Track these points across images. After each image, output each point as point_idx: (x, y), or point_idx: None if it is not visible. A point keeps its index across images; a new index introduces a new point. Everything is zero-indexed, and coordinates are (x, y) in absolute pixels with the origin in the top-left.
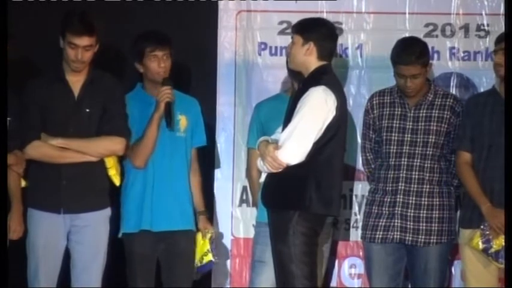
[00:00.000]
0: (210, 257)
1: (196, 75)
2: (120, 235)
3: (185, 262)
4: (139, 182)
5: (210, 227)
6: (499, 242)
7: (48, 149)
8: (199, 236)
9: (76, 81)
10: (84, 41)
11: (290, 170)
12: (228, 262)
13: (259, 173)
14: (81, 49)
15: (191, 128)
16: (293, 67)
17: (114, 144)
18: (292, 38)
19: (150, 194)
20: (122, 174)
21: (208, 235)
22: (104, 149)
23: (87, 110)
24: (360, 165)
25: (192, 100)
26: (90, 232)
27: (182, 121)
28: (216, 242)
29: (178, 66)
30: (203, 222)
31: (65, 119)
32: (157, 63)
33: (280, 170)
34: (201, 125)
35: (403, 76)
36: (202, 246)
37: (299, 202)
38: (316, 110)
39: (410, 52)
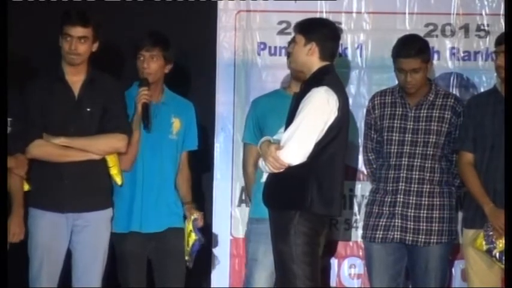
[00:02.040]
0: (193, 236)
1: (195, 75)
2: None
3: (176, 259)
4: (129, 183)
5: (194, 211)
6: (502, 243)
7: (51, 148)
8: (185, 223)
9: (76, 81)
10: (78, 31)
11: (292, 170)
12: (228, 262)
13: (255, 168)
14: (75, 40)
15: (184, 131)
16: (295, 67)
17: (117, 141)
18: (294, 37)
19: (140, 196)
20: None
21: (192, 217)
22: (107, 146)
23: (88, 110)
24: (359, 165)
25: (187, 103)
26: (92, 232)
27: (175, 124)
28: (200, 223)
29: (177, 66)
30: (188, 210)
31: (65, 118)
32: (142, 62)
33: (281, 170)
34: (194, 129)
35: (403, 71)
36: (187, 229)
37: (300, 202)
38: (318, 110)
39: (411, 46)
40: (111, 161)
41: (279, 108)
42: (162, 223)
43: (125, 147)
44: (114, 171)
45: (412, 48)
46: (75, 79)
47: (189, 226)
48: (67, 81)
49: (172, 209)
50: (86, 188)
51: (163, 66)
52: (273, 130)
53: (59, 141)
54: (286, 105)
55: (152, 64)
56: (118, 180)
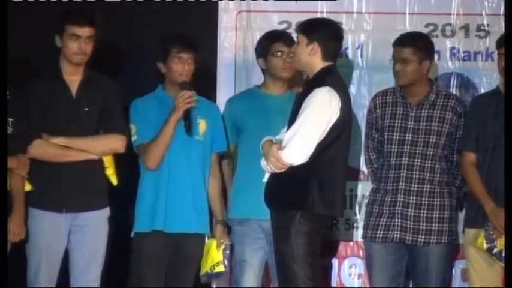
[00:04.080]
0: (221, 268)
1: (196, 75)
2: (132, 234)
3: (191, 265)
4: (154, 183)
5: (226, 237)
6: (503, 242)
7: (50, 147)
8: (213, 244)
9: (73, 81)
10: (85, 31)
11: (293, 170)
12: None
13: (230, 167)
14: (83, 40)
15: (211, 132)
16: (297, 67)
17: (116, 142)
18: (296, 37)
19: (165, 195)
20: (119, 175)
21: (222, 246)
22: (106, 147)
23: (86, 109)
24: (360, 165)
25: (212, 105)
26: (90, 232)
27: (201, 125)
28: (229, 252)
29: None
30: (220, 231)
31: (63, 118)
32: (182, 65)
33: (283, 170)
34: (221, 130)
35: (395, 60)
36: (216, 256)
37: (301, 202)
38: (321, 111)
39: (406, 35)
40: (107, 162)
41: (257, 108)
42: (186, 224)
43: (123, 148)
44: (109, 172)
45: (406, 38)
46: (73, 79)
47: (219, 256)
48: (65, 80)
49: (200, 212)
50: (85, 187)
51: (194, 68)
52: (253, 130)
53: (57, 141)
54: (264, 105)
55: (187, 66)
56: (113, 180)
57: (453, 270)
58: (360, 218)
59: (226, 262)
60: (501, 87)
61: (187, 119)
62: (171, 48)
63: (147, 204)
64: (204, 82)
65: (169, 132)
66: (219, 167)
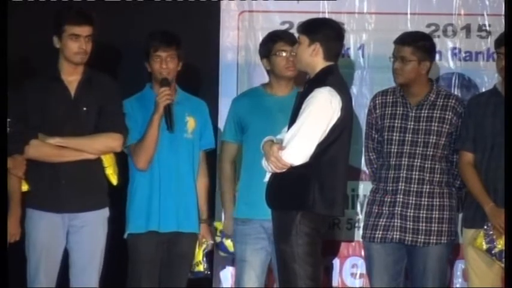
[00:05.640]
0: (201, 268)
1: (198, 75)
2: (125, 236)
3: (185, 264)
4: (145, 183)
5: (209, 237)
6: (502, 242)
7: (47, 148)
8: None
9: (72, 81)
10: (85, 30)
11: (294, 170)
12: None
13: (232, 166)
14: (83, 39)
15: (199, 130)
16: (299, 67)
17: (112, 141)
18: (298, 38)
19: (158, 195)
20: (119, 174)
21: (203, 246)
22: (102, 145)
23: (84, 109)
24: (361, 165)
25: (201, 102)
26: (89, 232)
27: (190, 123)
28: (210, 253)
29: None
30: (204, 230)
31: (62, 118)
32: (160, 63)
33: (284, 170)
34: (209, 128)
35: (394, 58)
36: (196, 256)
37: (302, 202)
38: (321, 111)
39: (408, 34)
40: (107, 161)
41: (261, 108)
42: (179, 223)
43: (120, 146)
44: (109, 171)
45: (407, 37)
46: (72, 79)
47: (199, 255)
48: (63, 80)
49: (190, 211)
50: (83, 188)
51: (178, 64)
52: (257, 129)
53: (54, 141)
54: (269, 105)
55: (170, 64)
56: (113, 180)
57: (454, 270)
58: (361, 218)
59: (205, 265)
60: (499, 87)
61: (169, 117)
62: (150, 47)
63: (140, 205)
64: (206, 82)
65: (154, 130)
66: (206, 165)
